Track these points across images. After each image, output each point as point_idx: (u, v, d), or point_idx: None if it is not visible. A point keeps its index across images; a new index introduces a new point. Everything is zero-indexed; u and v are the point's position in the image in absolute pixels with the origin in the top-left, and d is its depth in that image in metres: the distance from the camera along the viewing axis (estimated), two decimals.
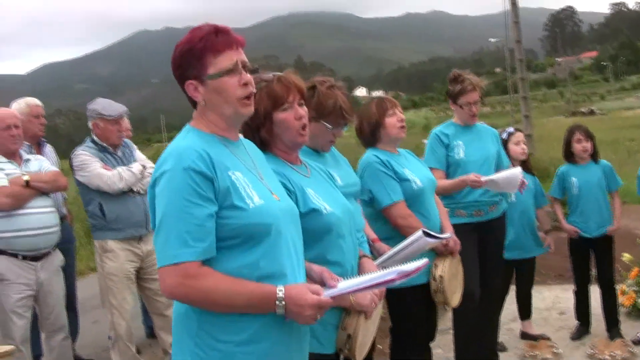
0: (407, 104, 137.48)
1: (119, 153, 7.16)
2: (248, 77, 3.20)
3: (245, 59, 3.25)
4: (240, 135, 3.49)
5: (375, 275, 3.23)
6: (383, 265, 4.50)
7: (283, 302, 2.94)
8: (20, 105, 7.64)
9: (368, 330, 3.92)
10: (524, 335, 7.95)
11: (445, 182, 6.55)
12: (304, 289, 3.00)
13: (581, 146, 7.63)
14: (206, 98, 3.21)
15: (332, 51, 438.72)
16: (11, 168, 6.61)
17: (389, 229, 5.40)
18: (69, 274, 7.63)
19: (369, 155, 5.56)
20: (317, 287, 3.09)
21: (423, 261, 3.33)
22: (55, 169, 7.14)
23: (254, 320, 3.04)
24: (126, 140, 7.49)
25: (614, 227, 7.60)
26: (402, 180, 5.42)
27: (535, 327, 8.10)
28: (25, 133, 6.99)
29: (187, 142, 3.13)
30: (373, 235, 5.14)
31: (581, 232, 7.66)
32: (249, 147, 3.50)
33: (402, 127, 5.59)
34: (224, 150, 3.20)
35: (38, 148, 8.06)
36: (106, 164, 6.99)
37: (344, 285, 3.27)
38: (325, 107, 4.59)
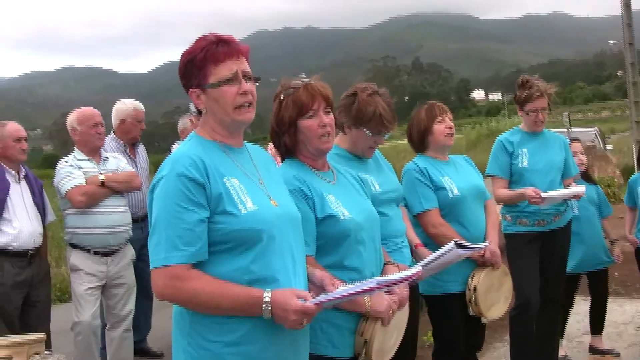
0: None
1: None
2: (247, 86, 3.29)
3: (247, 69, 3.34)
4: (247, 143, 3.57)
5: (357, 284, 3.27)
6: None
7: (269, 307, 3.03)
8: (127, 107, 8.03)
9: (387, 337, 3.93)
10: (592, 350, 7.65)
11: (504, 193, 6.52)
12: (289, 294, 3.06)
13: None
14: (207, 106, 3.32)
15: (450, 52, 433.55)
16: (89, 166, 6.99)
17: (425, 235, 5.41)
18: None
19: (410, 162, 5.60)
20: (304, 292, 3.13)
21: (413, 271, 3.42)
22: (131, 169, 7.52)
23: (243, 322, 3.11)
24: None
25: None
26: (437, 188, 5.43)
27: (607, 341, 7.75)
28: (126, 134, 7.52)
29: (185, 149, 3.26)
30: (416, 240, 5.19)
31: None
32: (255, 153, 3.55)
33: (450, 134, 5.58)
34: (223, 157, 3.30)
35: (132, 147, 8.42)
36: None
37: (333, 292, 3.30)
38: (365, 114, 4.66)
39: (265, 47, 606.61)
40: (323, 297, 3.19)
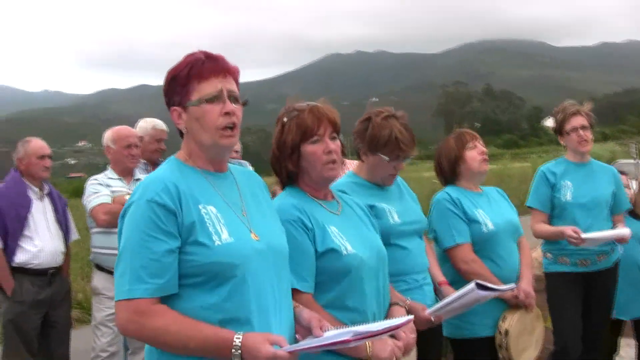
0: (598, 136, 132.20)
1: None
2: (231, 107, 3.08)
3: (234, 89, 3.14)
4: (232, 166, 3.36)
5: (333, 333, 3.01)
6: (432, 314, 4.28)
7: (239, 351, 2.78)
8: (146, 125, 7.65)
9: None
10: None
11: (543, 228, 6.17)
12: (261, 339, 2.81)
13: None
14: (188, 126, 3.11)
15: (523, 79, 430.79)
16: (119, 185, 6.76)
17: (455, 271, 5.06)
18: None
19: (441, 192, 5.26)
20: (279, 338, 2.86)
21: (400, 321, 3.10)
22: None
23: None
24: (242, 161, 7.49)
25: None
26: (471, 221, 5.09)
27: None
28: (144, 154, 7.21)
29: (158, 174, 3.06)
30: (440, 278, 4.84)
31: None
32: (243, 179, 3.32)
33: (484, 159, 5.27)
34: (202, 182, 3.08)
35: (154, 167, 7.91)
36: None
37: (310, 340, 3.05)
38: (380, 139, 4.42)
39: (338, 70, 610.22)
40: (298, 345, 2.94)
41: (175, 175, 3.03)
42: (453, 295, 4.38)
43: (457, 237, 5.06)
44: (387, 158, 4.43)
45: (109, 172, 6.94)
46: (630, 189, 7.07)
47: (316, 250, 3.55)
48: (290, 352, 2.83)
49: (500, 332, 4.94)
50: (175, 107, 3.13)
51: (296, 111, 3.70)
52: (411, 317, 3.24)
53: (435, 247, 5.19)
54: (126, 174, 6.89)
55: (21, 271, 6.55)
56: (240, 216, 3.10)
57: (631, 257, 6.71)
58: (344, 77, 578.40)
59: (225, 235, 2.95)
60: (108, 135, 7.00)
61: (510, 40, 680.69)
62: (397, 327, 3.09)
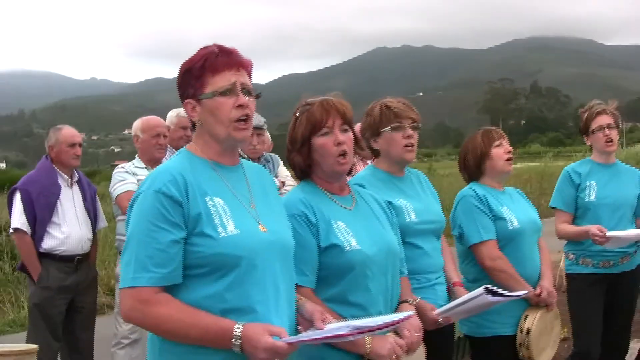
0: None
1: None
2: (245, 99, 3.12)
3: (247, 82, 3.18)
4: (244, 160, 3.40)
5: (332, 327, 3.04)
6: (440, 315, 4.26)
7: (239, 341, 2.83)
8: (172, 113, 7.66)
9: None
10: None
11: (567, 228, 6.13)
12: (262, 330, 2.85)
13: None
14: (202, 118, 3.15)
15: (570, 77, 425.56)
16: (145, 174, 6.30)
17: (478, 270, 5.04)
18: None
19: (466, 188, 5.23)
20: (279, 329, 2.90)
21: (400, 317, 3.18)
22: None
23: (214, 354, 2.93)
24: (272, 155, 7.46)
25: None
26: (497, 218, 5.04)
27: None
28: (171, 142, 7.24)
29: (168, 165, 3.13)
30: (455, 279, 4.80)
31: None
32: (252, 173, 3.35)
33: (509, 159, 5.19)
34: (210, 174, 3.12)
35: None
36: None
37: (310, 332, 3.08)
38: (374, 117, 4.47)
39: (384, 64, 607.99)
40: (297, 337, 2.98)
41: (185, 166, 3.09)
42: (462, 298, 4.36)
43: (483, 233, 5.01)
44: (388, 129, 4.42)
45: (137, 161, 7.03)
46: None
47: (319, 246, 3.56)
48: (289, 344, 2.86)
49: (522, 330, 4.90)
50: (189, 100, 3.17)
51: (308, 105, 3.73)
52: (410, 313, 3.29)
53: (458, 244, 5.19)
54: (153, 163, 6.87)
55: (48, 257, 6.64)
56: (248, 208, 3.15)
57: None
58: (390, 71, 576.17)
59: (231, 227, 3.00)
60: (137, 124, 7.09)
61: (559, 37, 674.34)
62: (396, 322, 3.14)
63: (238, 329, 2.84)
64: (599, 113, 6.09)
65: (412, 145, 4.50)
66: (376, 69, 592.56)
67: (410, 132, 4.46)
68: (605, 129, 6.06)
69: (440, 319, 4.25)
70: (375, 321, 3.04)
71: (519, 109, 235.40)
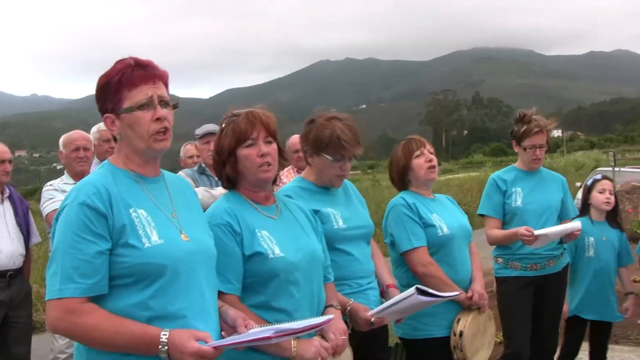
0: (585, 144, 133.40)
1: None
2: (162, 112, 3.17)
3: (164, 94, 3.22)
4: (165, 172, 3.45)
5: (256, 330, 3.15)
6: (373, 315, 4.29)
7: (166, 347, 2.88)
8: (94, 128, 7.54)
9: None
10: None
11: (496, 233, 6.25)
12: (187, 335, 2.91)
13: None
14: (121, 132, 3.19)
15: (512, 88, 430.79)
16: None
17: (411, 275, 5.14)
18: None
19: (397, 197, 5.31)
20: (205, 334, 2.97)
21: (320, 320, 3.27)
22: None
23: None
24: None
25: None
26: (427, 225, 5.14)
27: None
28: (98, 156, 7.24)
29: (91, 178, 3.16)
30: (388, 281, 4.85)
31: None
32: (173, 183, 3.41)
33: (431, 167, 5.28)
34: (133, 186, 3.17)
35: None
36: (198, 186, 6.59)
37: (234, 337, 3.15)
38: (322, 139, 4.47)
39: (328, 77, 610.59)
40: (222, 341, 3.04)
41: (108, 179, 3.13)
42: (394, 298, 4.39)
43: (413, 240, 5.11)
44: (331, 158, 4.47)
45: (65, 177, 7.04)
46: (612, 194, 7.00)
47: (244, 254, 3.64)
48: (215, 348, 2.92)
49: (454, 333, 5.00)
50: (108, 114, 3.21)
51: (234, 117, 3.82)
52: (331, 316, 3.40)
53: (391, 251, 5.27)
54: (79, 177, 6.81)
55: None
56: (171, 218, 3.21)
57: (603, 260, 6.81)
58: (333, 84, 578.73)
59: (155, 237, 3.06)
60: (61, 140, 7.15)
61: (501, 48, 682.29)
62: (317, 325, 3.23)
63: (164, 335, 2.90)
64: (537, 133, 6.24)
65: (344, 174, 4.61)
66: (320, 82, 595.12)
67: (348, 165, 4.57)
68: (537, 149, 6.26)
69: (373, 320, 4.28)
70: (297, 324, 3.14)
71: (461, 119, 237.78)
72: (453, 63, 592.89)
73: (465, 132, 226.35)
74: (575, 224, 6.07)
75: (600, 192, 6.84)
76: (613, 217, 7.05)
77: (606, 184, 7.00)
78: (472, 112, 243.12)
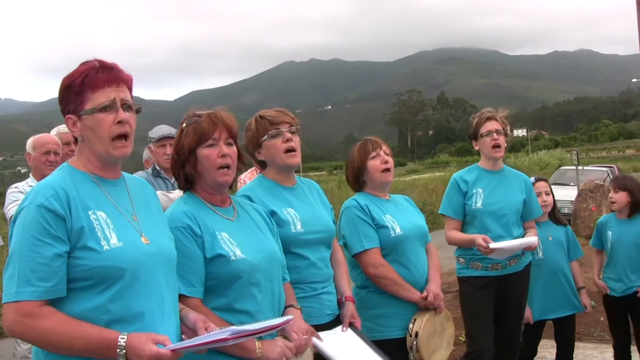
0: (549, 143, 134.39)
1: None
2: (125, 115, 3.16)
3: (127, 98, 3.22)
4: (126, 174, 3.44)
5: (214, 332, 3.14)
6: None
7: (124, 351, 2.87)
8: (52, 132, 7.43)
9: None
10: None
11: (455, 235, 6.27)
12: (145, 339, 2.90)
13: (613, 197, 7.03)
14: (82, 133, 3.18)
15: (477, 88, 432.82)
16: None
17: (365, 277, 5.15)
18: None
19: (350, 199, 5.31)
20: (163, 337, 2.95)
21: (280, 321, 3.29)
22: None
23: None
24: None
25: None
26: (379, 227, 5.13)
27: None
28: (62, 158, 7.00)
29: (50, 180, 3.14)
30: (347, 293, 4.78)
31: (610, 290, 7.05)
32: (134, 186, 3.40)
33: (386, 169, 5.27)
34: (93, 188, 3.15)
35: None
36: (155, 189, 6.33)
37: (190, 339, 3.14)
38: (252, 130, 4.55)
39: (293, 78, 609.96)
40: (180, 344, 3.02)
41: (67, 181, 3.11)
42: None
43: (365, 242, 5.10)
44: (267, 137, 4.49)
45: (30, 180, 6.94)
46: (549, 195, 7.10)
47: (205, 257, 3.64)
48: (172, 351, 2.91)
49: (410, 334, 5.01)
50: (69, 115, 3.20)
51: (195, 117, 3.82)
52: (290, 317, 3.43)
53: (346, 253, 5.22)
54: None
55: None
56: (131, 221, 3.20)
57: (553, 260, 6.90)
58: (299, 85, 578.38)
59: (114, 240, 3.04)
60: (29, 142, 7.00)
61: (465, 49, 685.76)
62: (276, 326, 3.26)
63: (122, 339, 2.89)
64: (488, 119, 6.26)
65: (293, 150, 4.55)
66: (285, 84, 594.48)
67: (288, 135, 4.53)
68: (494, 133, 6.21)
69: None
70: (254, 325, 3.14)
71: (426, 120, 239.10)
72: (417, 64, 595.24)
73: (431, 132, 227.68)
74: (531, 239, 6.11)
75: (537, 195, 6.76)
76: (554, 215, 7.15)
77: (540, 186, 7.07)
78: (438, 112, 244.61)
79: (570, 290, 7.01)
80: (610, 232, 7.14)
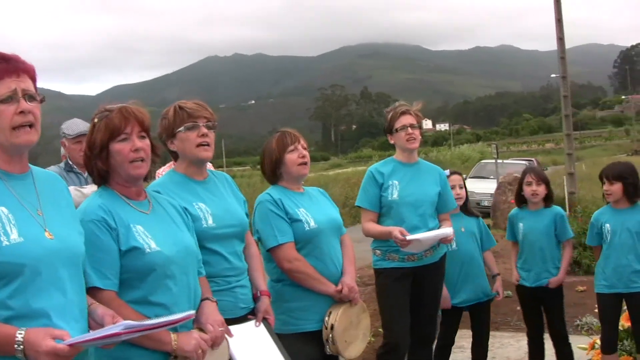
0: (471, 137, 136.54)
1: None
2: (27, 105, 3.09)
3: (29, 88, 3.15)
4: (35, 168, 3.35)
5: (107, 327, 3.07)
6: None
7: (22, 347, 2.79)
8: None
9: None
10: None
11: (372, 227, 6.30)
12: (43, 334, 2.82)
13: (530, 190, 7.12)
14: None
15: (400, 83, 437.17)
16: None
17: (280, 270, 5.14)
18: None
19: (263, 193, 5.30)
20: (62, 332, 2.89)
21: (180, 316, 3.23)
22: None
23: None
24: None
25: (557, 278, 7.02)
26: (293, 220, 5.13)
27: None
28: None
29: None
30: (262, 287, 4.82)
31: (521, 280, 7.22)
32: (42, 180, 3.33)
33: (303, 163, 5.26)
34: None
35: None
36: (68, 183, 5.75)
37: (86, 334, 3.05)
38: (169, 119, 4.49)
39: (216, 73, 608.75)
40: (77, 338, 2.94)
41: None
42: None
43: (279, 236, 5.09)
44: (182, 129, 4.44)
45: None
46: (462, 188, 7.24)
47: (120, 249, 3.61)
48: (70, 346, 2.86)
49: (326, 326, 5.05)
50: None
51: (107, 112, 3.77)
52: (192, 312, 3.43)
53: (261, 247, 5.22)
54: None
55: None
56: (35, 215, 3.11)
57: (466, 250, 7.06)
58: (222, 80, 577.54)
59: (14, 236, 2.96)
60: None
61: (388, 44, 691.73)
62: (176, 322, 3.20)
63: (20, 334, 2.83)
64: (403, 113, 6.31)
65: (207, 145, 4.51)
66: (208, 78, 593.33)
67: (204, 130, 4.48)
68: (408, 128, 6.26)
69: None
70: (151, 321, 3.14)
71: (350, 114, 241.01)
72: (341, 59, 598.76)
73: (354, 126, 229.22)
74: (448, 230, 6.21)
75: (452, 189, 6.86)
76: (466, 207, 7.32)
77: (455, 179, 7.22)
78: (361, 107, 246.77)
79: (483, 279, 7.20)
80: (521, 225, 7.29)
